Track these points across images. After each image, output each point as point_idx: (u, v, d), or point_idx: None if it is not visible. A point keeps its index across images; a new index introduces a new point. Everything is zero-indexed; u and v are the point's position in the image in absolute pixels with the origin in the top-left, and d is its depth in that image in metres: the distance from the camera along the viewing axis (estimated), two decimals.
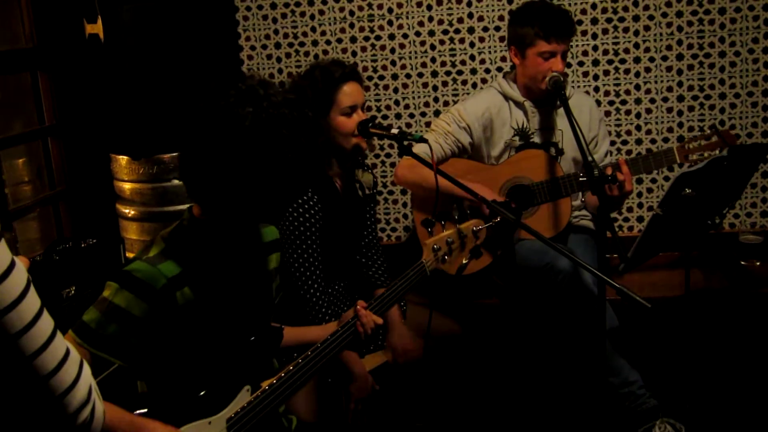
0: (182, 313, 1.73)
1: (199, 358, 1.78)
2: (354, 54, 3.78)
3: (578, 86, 3.61)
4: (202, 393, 1.76)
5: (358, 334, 1.97)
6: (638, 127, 3.69)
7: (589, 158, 2.47)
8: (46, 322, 1.06)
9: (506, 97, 3.06)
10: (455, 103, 3.73)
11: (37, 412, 1.08)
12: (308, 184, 2.53)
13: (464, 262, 2.16)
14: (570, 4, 3.59)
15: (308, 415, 2.46)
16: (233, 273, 1.86)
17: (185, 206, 3.06)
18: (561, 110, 3.00)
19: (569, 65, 3.61)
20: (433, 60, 3.75)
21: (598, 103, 3.59)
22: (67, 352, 1.09)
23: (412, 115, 3.82)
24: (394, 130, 2.38)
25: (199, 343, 1.77)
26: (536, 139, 3.05)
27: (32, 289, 1.05)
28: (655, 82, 3.64)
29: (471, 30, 3.70)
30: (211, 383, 1.78)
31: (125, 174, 3.23)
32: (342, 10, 3.75)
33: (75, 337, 1.70)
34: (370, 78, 3.80)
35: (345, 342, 1.96)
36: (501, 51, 3.70)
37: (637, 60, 3.63)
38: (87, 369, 1.13)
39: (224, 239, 1.84)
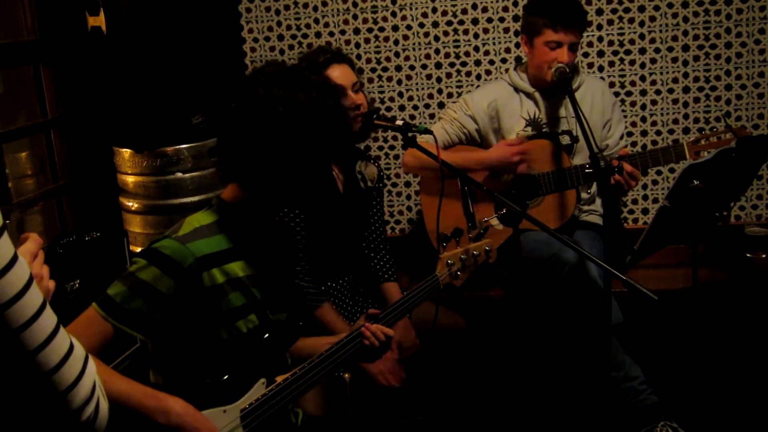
0: (207, 295, 1.74)
1: (218, 345, 1.79)
2: (357, 45, 3.76)
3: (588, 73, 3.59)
4: (225, 378, 1.77)
5: (366, 347, 1.96)
6: (643, 119, 3.67)
7: (595, 149, 2.46)
8: (49, 318, 1.05)
9: (516, 89, 3.07)
10: (459, 94, 3.72)
11: (40, 409, 1.07)
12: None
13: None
14: None
15: (315, 409, 2.45)
16: (262, 259, 1.87)
17: (189, 199, 3.12)
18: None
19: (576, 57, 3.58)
20: (437, 51, 3.73)
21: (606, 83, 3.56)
22: (71, 349, 1.08)
23: (416, 107, 3.81)
24: (399, 122, 2.37)
25: (220, 328, 1.78)
26: (548, 128, 3.05)
27: (34, 284, 1.04)
28: (661, 73, 3.62)
29: (475, 21, 3.68)
30: (228, 372, 1.78)
31: (128, 167, 3.22)
32: (345, 1, 3.73)
33: (98, 310, 1.71)
34: (373, 70, 3.78)
35: (353, 350, 1.95)
36: (505, 42, 3.68)
37: (642, 51, 3.61)
38: (92, 365, 1.12)
39: (260, 223, 1.86)
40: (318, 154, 1.75)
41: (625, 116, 3.65)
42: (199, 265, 1.73)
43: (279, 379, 1.84)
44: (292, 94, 1.71)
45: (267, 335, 1.85)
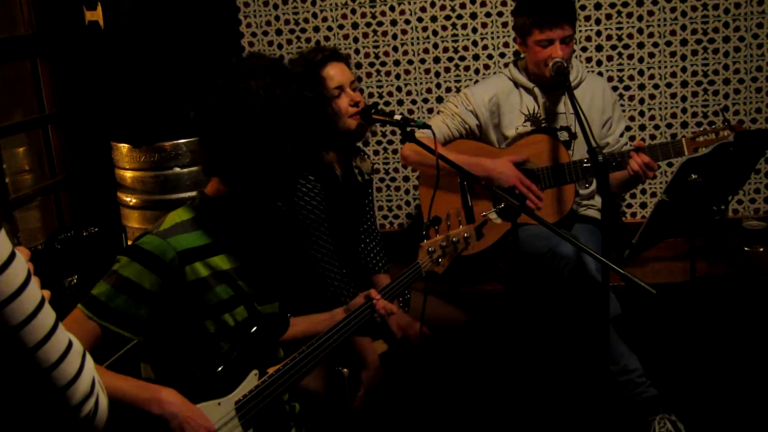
0: (191, 289, 1.74)
1: (207, 338, 1.79)
2: (356, 40, 3.76)
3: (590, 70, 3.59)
4: (219, 369, 1.77)
5: (374, 322, 2.02)
6: (642, 113, 3.67)
7: (593, 143, 2.46)
8: (48, 314, 1.05)
9: (516, 84, 3.07)
10: (457, 89, 3.72)
11: (40, 406, 1.07)
12: (313, 162, 2.56)
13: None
14: None
15: (319, 388, 2.46)
16: (248, 252, 1.87)
17: (187, 194, 3.12)
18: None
19: (573, 50, 3.58)
20: (436, 46, 3.73)
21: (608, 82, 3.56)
22: (70, 345, 1.08)
23: (414, 102, 3.80)
24: (397, 117, 2.37)
25: (207, 322, 1.78)
26: (548, 124, 3.05)
27: (33, 280, 1.04)
28: (659, 67, 3.62)
29: (473, 15, 3.67)
30: (219, 365, 1.79)
31: (126, 162, 3.22)
32: None
33: (84, 311, 1.70)
34: (372, 64, 3.78)
35: (354, 329, 2.00)
36: (503, 37, 3.67)
37: (641, 45, 3.61)
38: (90, 361, 1.12)
39: (243, 216, 1.86)
40: (296, 150, 1.74)
41: (624, 110, 3.65)
42: (181, 260, 1.72)
43: (271, 370, 1.85)
44: (270, 89, 1.70)
45: (255, 328, 1.85)
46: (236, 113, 1.70)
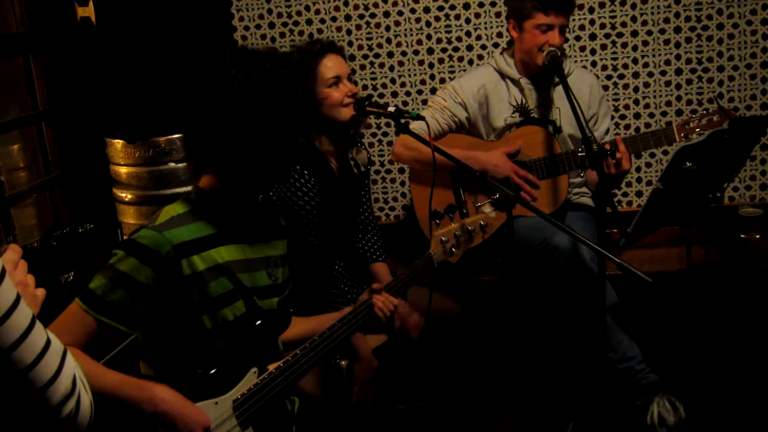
0: (187, 283, 1.74)
1: (204, 334, 1.78)
2: (349, 32, 3.75)
3: (576, 61, 3.58)
4: (213, 371, 1.77)
5: (378, 318, 2.02)
6: (636, 101, 3.67)
7: (588, 133, 2.46)
8: (22, 314, 1.04)
9: (502, 75, 3.05)
10: (452, 80, 3.70)
11: (21, 407, 1.06)
12: (304, 151, 2.57)
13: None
14: None
15: (314, 390, 2.46)
16: (246, 245, 1.86)
17: (182, 189, 3.12)
18: (558, 87, 2.98)
19: (566, 39, 3.57)
20: (429, 37, 3.72)
21: (597, 77, 3.56)
22: (47, 345, 1.07)
23: (408, 93, 3.80)
24: (391, 108, 2.37)
25: (204, 317, 1.77)
26: (535, 115, 3.04)
27: (7, 280, 1.03)
28: (653, 55, 3.61)
29: (466, 6, 3.66)
30: (217, 363, 1.78)
31: (121, 158, 3.21)
32: None
33: (80, 304, 1.71)
34: (365, 56, 3.77)
35: (356, 326, 1.99)
36: (497, 27, 3.66)
37: (634, 33, 3.60)
38: (70, 360, 1.11)
39: (238, 206, 1.85)
40: (283, 125, 1.75)
41: (618, 99, 3.65)
42: (177, 253, 1.72)
43: (271, 367, 1.84)
44: (245, 72, 1.72)
45: (259, 322, 1.84)
46: (217, 102, 1.72)
